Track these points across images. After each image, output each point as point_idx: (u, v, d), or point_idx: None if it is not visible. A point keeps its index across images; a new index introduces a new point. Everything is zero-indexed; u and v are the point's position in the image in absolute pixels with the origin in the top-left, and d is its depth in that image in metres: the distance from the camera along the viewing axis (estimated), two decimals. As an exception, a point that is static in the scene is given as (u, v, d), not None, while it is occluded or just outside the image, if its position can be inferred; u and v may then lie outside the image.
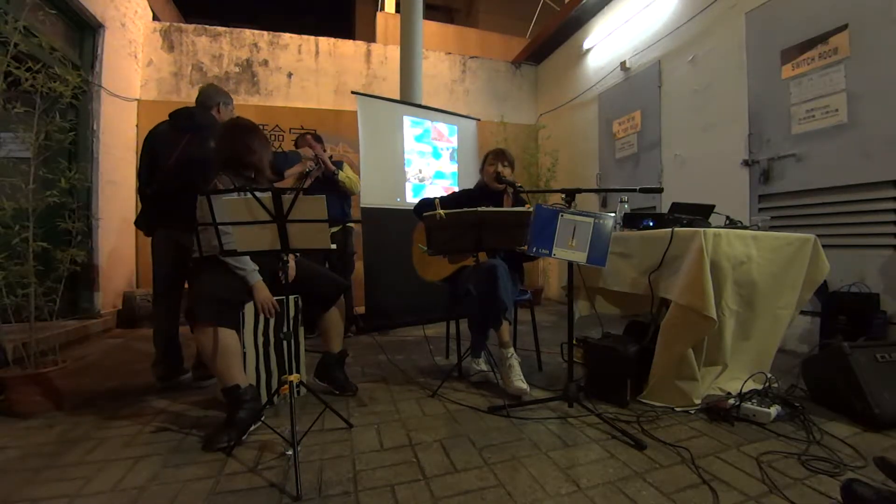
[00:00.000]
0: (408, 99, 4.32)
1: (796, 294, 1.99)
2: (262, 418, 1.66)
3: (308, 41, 5.26)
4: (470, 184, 3.01)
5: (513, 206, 2.37)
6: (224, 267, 1.76)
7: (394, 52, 5.28)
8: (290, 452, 1.40)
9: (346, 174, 3.24)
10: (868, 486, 1.09)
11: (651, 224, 2.07)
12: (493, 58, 6.16)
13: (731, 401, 1.73)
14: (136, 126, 4.49)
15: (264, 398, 1.85)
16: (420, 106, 4.30)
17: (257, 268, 1.82)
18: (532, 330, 2.51)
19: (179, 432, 1.66)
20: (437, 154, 4.34)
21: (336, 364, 2.06)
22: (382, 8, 7.56)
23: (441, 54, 5.84)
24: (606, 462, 1.40)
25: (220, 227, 1.54)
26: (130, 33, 4.42)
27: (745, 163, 3.13)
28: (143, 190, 2.23)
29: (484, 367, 2.21)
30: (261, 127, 2.06)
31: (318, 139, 3.31)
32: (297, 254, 1.99)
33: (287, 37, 5.19)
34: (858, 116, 2.52)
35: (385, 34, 6.67)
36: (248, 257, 1.78)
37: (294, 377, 1.51)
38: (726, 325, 1.84)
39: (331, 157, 3.29)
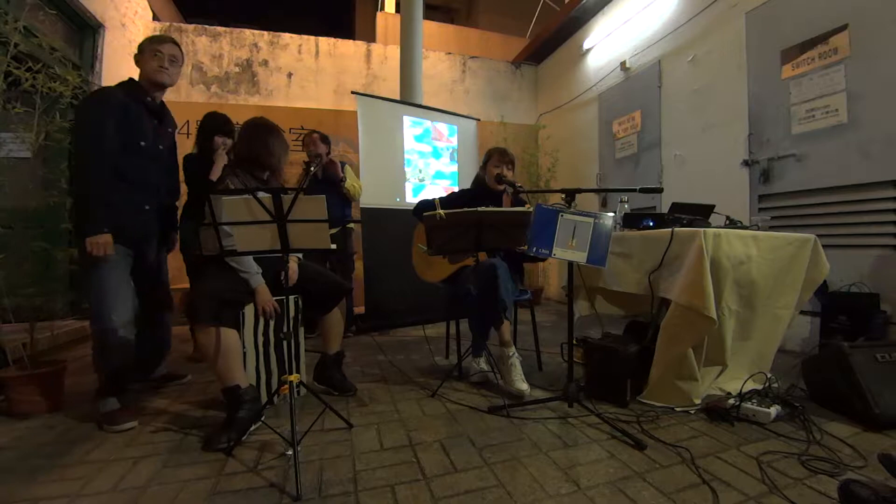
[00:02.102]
0: (408, 99, 4.32)
1: (796, 294, 1.99)
2: (262, 418, 1.66)
3: (308, 41, 5.26)
4: (470, 184, 3.01)
5: (513, 206, 2.37)
6: (225, 267, 1.77)
7: (394, 52, 5.29)
8: (290, 452, 1.40)
9: (351, 182, 3.23)
10: (865, 486, 1.09)
11: (651, 224, 2.07)
12: (493, 58, 6.16)
13: (731, 401, 1.73)
14: (136, 126, 4.49)
15: (264, 398, 1.85)
16: (420, 106, 4.30)
17: (261, 270, 1.82)
18: (532, 330, 2.51)
19: (179, 432, 1.66)
20: (437, 154, 4.34)
21: (334, 365, 2.06)
22: (382, 8, 7.56)
23: (441, 54, 5.83)
24: (606, 462, 1.40)
25: (220, 228, 1.54)
26: (130, 33, 4.42)
27: (745, 163, 3.13)
28: None
29: (484, 366, 2.21)
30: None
31: (325, 140, 3.30)
32: (300, 257, 2.00)
33: (287, 37, 5.18)
34: (858, 116, 2.52)
35: (385, 34, 6.68)
36: (251, 259, 1.78)
37: (294, 377, 1.50)
38: (726, 325, 1.84)
39: (321, 159, 3.28)
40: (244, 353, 1.81)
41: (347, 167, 3.34)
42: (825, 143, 2.68)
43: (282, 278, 1.67)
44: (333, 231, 3.29)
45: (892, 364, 1.72)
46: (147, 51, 1.84)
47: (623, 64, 4.36)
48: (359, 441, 1.57)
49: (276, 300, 1.85)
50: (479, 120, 4.82)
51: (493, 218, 1.96)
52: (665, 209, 2.49)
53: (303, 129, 4.95)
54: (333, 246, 1.65)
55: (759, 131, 3.07)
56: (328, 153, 3.28)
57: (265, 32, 5.11)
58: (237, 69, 5.00)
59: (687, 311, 1.72)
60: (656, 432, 1.60)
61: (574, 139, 5.25)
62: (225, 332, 1.66)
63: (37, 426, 1.73)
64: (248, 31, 5.06)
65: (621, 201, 2.39)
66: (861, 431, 1.59)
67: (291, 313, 1.90)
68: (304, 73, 5.21)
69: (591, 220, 1.73)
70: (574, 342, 1.88)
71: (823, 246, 2.04)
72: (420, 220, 2.13)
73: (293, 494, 1.21)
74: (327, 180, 3.19)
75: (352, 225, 3.47)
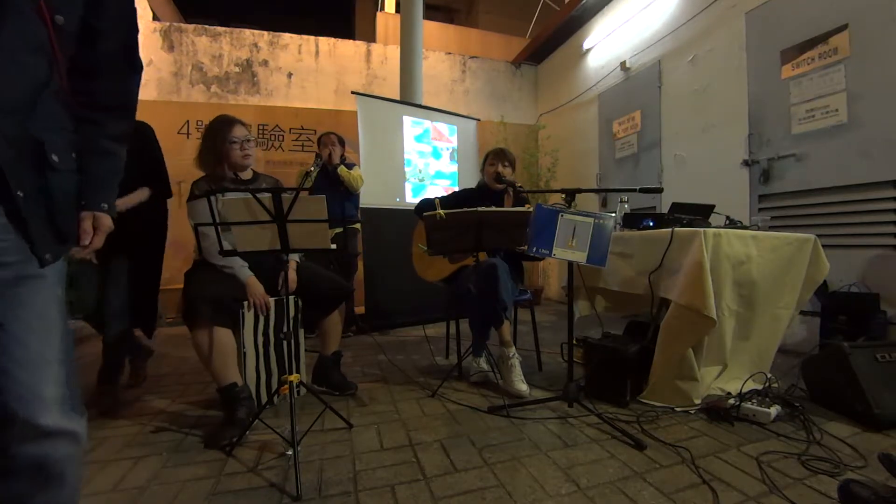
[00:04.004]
0: (408, 99, 4.32)
1: (796, 294, 1.99)
2: (260, 416, 1.66)
3: (308, 41, 5.26)
4: (470, 184, 3.00)
5: (513, 206, 2.37)
6: (212, 269, 1.77)
7: (394, 52, 5.28)
8: (290, 452, 1.40)
9: (348, 170, 3.23)
10: (865, 486, 1.09)
11: (651, 224, 2.07)
12: (493, 58, 6.16)
13: (731, 401, 1.72)
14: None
15: (264, 398, 1.85)
16: (420, 106, 4.30)
17: (247, 264, 1.82)
18: (532, 330, 2.50)
19: (179, 432, 1.66)
20: (437, 154, 4.34)
21: (332, 366, 2.06)
22: (382, 8, 7.56)
23: (441, 54, 5.83)
24: (606, 462, 1.40)
25: (205, 229, 1.54)
26: (130, 33, 4.42)
27: (745, 163, 3.13)
28: None
29: (484, 366, 2.21)
30: (241, 124, 1.92)
31: (342, 141, 3.33)
32: (298, 261, 2.00)
33: (287, 37, 5.19)
34: (858, 116, 2.52)
35: (385, 34, 6.67)
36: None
37: (294, 377, 1.51)
38: (726, 325, 1.84)
39: (344, 159, 3.29)
40: (244, 354, 1.81)
41: (356, 167, 3.36)
42: (825, 143, 2.68)
43: (280, 282, 1.67)
44: (337, 231, 3.29)
45: (892, 364, 1.72)
46: None
47: (623, 64, 4.36)
48: (359, 441, 1.57)
49: (275, 300, 1.86)
50: (479, 120, 4.82)
51: (493, 218, 1.96)
52: (665, 209, 2.49)
53: (303, 129, 4.96)
54: (333, 246, 1.65)
55: (759, 131, 3.07)
56: (342, 154, 3.29)
57: (265, 32, 5.11)
58: (237, 69, 5.00)
59: (687, 311, 1.72)
60: (656, 432, 1.60)
61: (574, 139, 5.25)
62: (219, 330, 1.67)
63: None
64: (248, 31, 5.06)
65: (621, 201, 2.39)
66: (861, 431, 1.59)
67: (291, 313, 1.90)
68: (304, 73, 5.21)
69: (591, 220, 1.73)
70: (574, 342, 1.88)
71: (823, 246, 2.04)
72: (421, 220, 2.13)
73: (293, 494, 1.21)
74: (329, 177, 3.19)
75: (357, 226, 3.48)
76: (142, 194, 1.97)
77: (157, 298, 2.17)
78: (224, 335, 1.68)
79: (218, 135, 1.84)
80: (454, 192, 2.75)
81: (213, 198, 1.51)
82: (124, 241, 1.75)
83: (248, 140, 1.89)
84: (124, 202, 1.87)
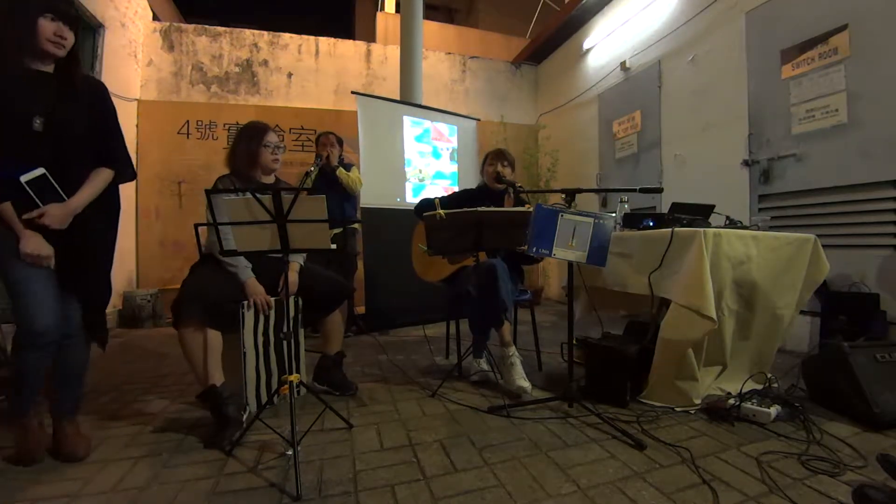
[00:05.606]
0: (408, 99, 4.32)
1: (796, 294, 1.99)
2: (260, 416, 1.65)
3: (308, 41, 5.26)
4: (470, 184, 3.00)
5: (514, 206, 2.37)
6: (215, 266, 1.77)
7: (394, 52, 5.29)
8: (290, 452, 1.40)
9: (347, 173, 3.24)
10: (880, 490, 1.09)
11: (651, 224, 2.07)
12: (493, 58, 6.16)
13: (731, 401, 1.72)
14: (136, 126, 4.50)
15: (264, 398, 1.85)
16: (420, 106, 4.30)
17: (250, 265, 1.83)
18: (532, 330, 2.51)
19: (179, 432, 1.66)
20: (437, 154, 4.34)
21: (334, 366, 2.06)
22: (382, 8, 7.56)
23: (441, 54, 5.83)
24: (606, 462, 1.40)
25: (216, 227, 1.54)
26: (130, 33, 4.42)
27: (745, 163, 3.13)
28: None
29: (485, 366, 2.21)
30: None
31: (339, 141, 3.34)
32: (301, 263, 2.00)
33: (287, 37, 5.19)
34: (858, 116, 2.52)
35: (385, 34, 6.67)
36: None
37: (294, 377, 1.51)
38: (726, 325, 1.84)
39: (342, 159, 3.30)
40: (244, 354, 1.81)
41: (354, 168, 3.37)
42: (825, 143, 2.68)
43: (280, 285, 1.67)
44: (336, 231, 3.30)
45: (892, 364, 1.72)
46: None
47: (623, 64, 4.36)
48: (359, 441, 1.57)
49: (275, 299, 1.86)
50: (479, 120, 4.83)
51: (492, 218, 1.96)
52: (665, 209, 2.49)
53: (303, 129, 4.96)
54: (333, 246, 1.65)
55: (759, 131, 3.07)
56: (341, 154, 3.30)
57: (265, 32, 5.11)
58: (237, 69, 5.00)
59: (687, 311, 1.72)
60: (656, 432, 1.60)
61: (574, 139, 5.25)
62: (207, 331, 1.67)
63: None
64: (248, 31, 5.06)
65: (621, 201, 2.39)
66: (861, 431, 1.59)
67: (291, 313, 1.90)
68: (304, 73, 5.21)
69: (591, 220, 1.73)
70: (574, 342, 1.88)
71: (823, 246, 2.04)
72: (420, 220, 2.13)
73: (293, 494, 1.21)
74: (329, 177, 3.20)
75: (356, 225, 3.48)
76: (103, 177, 1.47)
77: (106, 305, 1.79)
78: (213, 337, 1.69)
79: (254, 137, 1.94)
80: (454, 193, 2.75)
81: (214, 196, 1.52)
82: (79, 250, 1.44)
83: (279, 147, 2.01)
84: (86, 197, 1.41)
